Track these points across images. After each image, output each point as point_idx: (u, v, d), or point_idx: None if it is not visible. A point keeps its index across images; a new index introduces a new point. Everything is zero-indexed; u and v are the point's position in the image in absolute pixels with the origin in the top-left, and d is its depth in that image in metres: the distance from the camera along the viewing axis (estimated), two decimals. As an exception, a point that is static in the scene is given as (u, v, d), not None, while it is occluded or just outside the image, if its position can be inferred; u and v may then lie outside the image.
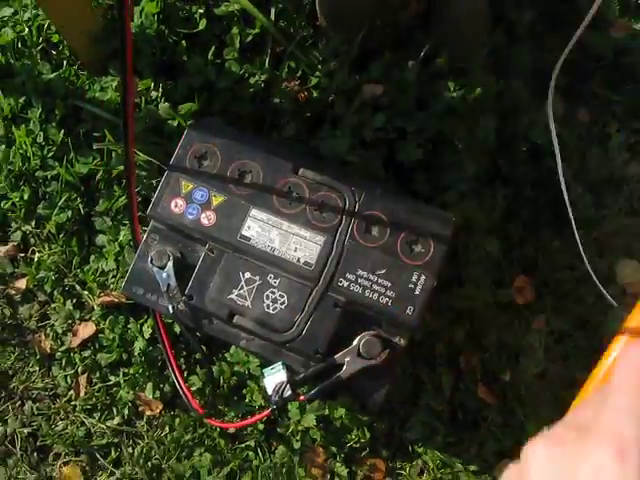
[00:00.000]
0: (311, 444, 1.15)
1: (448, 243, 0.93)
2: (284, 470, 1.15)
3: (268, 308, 0.92)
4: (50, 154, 1.18)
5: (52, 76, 1.19)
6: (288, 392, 0.90)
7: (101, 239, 1.19)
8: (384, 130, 1.14)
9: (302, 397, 0.91)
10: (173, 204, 0.95)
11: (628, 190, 1.26)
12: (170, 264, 0.94)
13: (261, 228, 0.94)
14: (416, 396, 1.17)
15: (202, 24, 1.15)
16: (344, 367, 0.91)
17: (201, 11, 1.16)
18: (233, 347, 1.15)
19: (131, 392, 1.16)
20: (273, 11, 1.18)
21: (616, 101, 1.29)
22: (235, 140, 0.97)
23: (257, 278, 0.93)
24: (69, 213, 1.17)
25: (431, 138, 1.13)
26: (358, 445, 1.14)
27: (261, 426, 1.14)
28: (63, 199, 1.17)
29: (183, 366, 1.15)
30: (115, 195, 1.18)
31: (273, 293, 0.92)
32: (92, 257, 1.19)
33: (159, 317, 1.08)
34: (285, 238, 0.93)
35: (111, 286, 1.18)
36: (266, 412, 0.94)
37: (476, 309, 1.17)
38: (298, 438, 1.14)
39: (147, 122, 1.14)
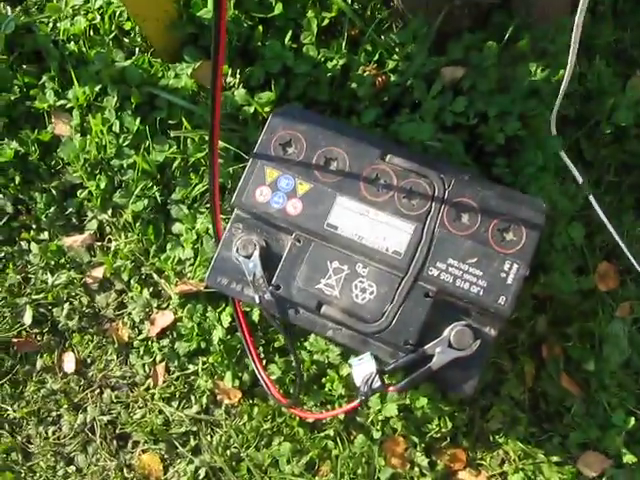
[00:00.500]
0: (391, 433, 1.13)
1: (541, 230, 0.90)
2: (363, 460, 1.14)
3: (357, 298, 0.91)
4: (126, 142, 1.17)
5: (126, 64, 1.18)
6: (377, 383, 0.89)
7: (178, 227, 1.19)
8: (465, 115, 1.11)
9: (392, 388, 0.90)
10: (258, 192, 0.94)
11: None
12: (256, 253, 0.93)
13: (348, 216, 0.92)
14: (498, 385, 1.15)
15: (278, 8, 1.13)
16: (434, 358, 0.89)
17: (274, -7, 1.14)
18: (312, 335, 1.14)
19: (209, 381, 1.16)
20: (349, -6, 1.15)
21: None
22: (320, 126, 0.96)
23: (345, 267, 0.91)
24: (145, 201, 1.17)
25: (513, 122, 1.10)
26: (439, 435, 1.12)
27: (342, 415, 1.13)
28: (139, 187, 1.17)
29: (262, 355, 1.14)
30: (192, 183, 1.17)
31: (362, 282, 0.91)
32: (169, 245, 1.19)
33: (238, 305, 1.08)
34: (373, 226, 0.92)
35: (188, 274, 1.18)
36: (354, 404, 0.93)
37: (559, 297, 1.14)
38: (378, 427, 1.13)
39: (224, 109, 1.12)
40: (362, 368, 0.91)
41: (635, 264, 1.15)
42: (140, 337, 1.19)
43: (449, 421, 1.12)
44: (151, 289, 1.20)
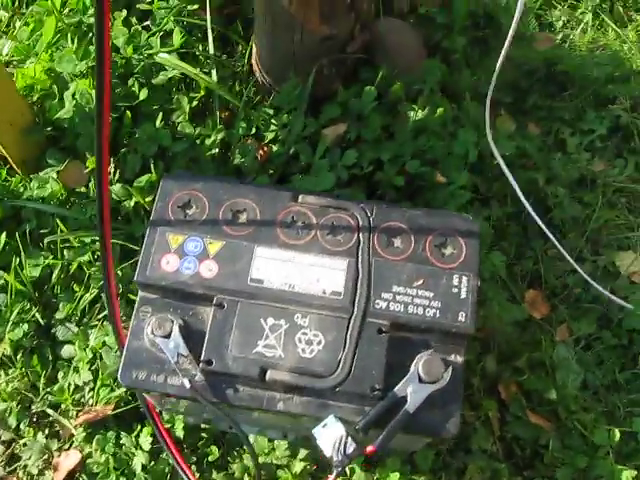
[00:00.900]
0: (366, 529, 0.96)
1: (478, 238, 0.85)
2: None
3: (304, 352, 0.78)
4: (-9, 264, 1.01)
5: (-20, 182, 1.05)
6: (351, 446, 0.75)
7: (68, 350, 1.01)
8: (358, 166, 1.07)
9: (371, 447, 0.75)
10: (164, 262, 0.81)
11: (601, 186, 1.24)
12: (176, 329, 0.78)
13: (272, 267, 0.81)
14: (465, 441, 1.03)
15: (143, 94, 1.06)
16: (408, 399, 0.77)
17: (138, 83, 1.08)
18: (253, 437, 0.97)
19: (139, 524, 0.94)
20: (215, 73, 1.11)
21: (560, 108, 1.30)
22: (218, 182, 0.87)
23: (282, 322, 0.79)
24: (25, 327, 1.00)
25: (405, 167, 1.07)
26: (419, 516, 0.97)
27: (306, 523, 0.95)
28: (15, 312, 0.99)
29: (196, 474, 0.96)
30: (76, 296, 1.02)
31: (305, 334, 0.79)
32: (61, 374, 1.00)
33: (158, 419, 0.90)
34: (302, 271, 0.81)
35: (90, 401, 0.99)
36: (332, 477, 0.76)
37: (501, 332, 1.07)
38: (351, 525, 0.95)
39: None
40: (328, 435, 0.76)
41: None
42: (42, 491, 0.96)
43: (428, 494, 0.97)
44: (47, 429, 0.99)
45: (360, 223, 0.84)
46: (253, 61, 1.17)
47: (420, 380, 0.78)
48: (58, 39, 1.10)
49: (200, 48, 1.13)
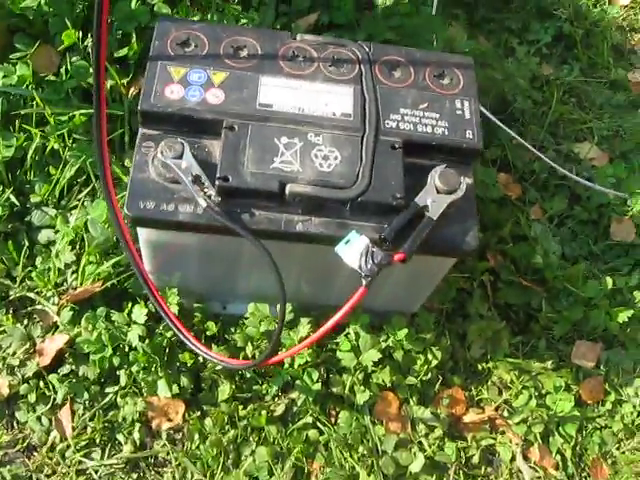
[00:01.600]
0: (377, 392, 0.93)
1: (473, 70, 0.87)
2: (359, 437, 0.91)
3: (322, 167, 0.76)
4: (-42, 145, 0.94)
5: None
6: (379, 254, 0.73)
7: (46, 235, 0.94)
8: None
9: (400, 254, 0.74)
10: (168, 91, 0.78)
11: (553, 85, 1.30)
12: (187, 149, 0.75)
13: (279, 93, 0.80)
14: (462, 308, 1.03)
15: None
16: (429, 208, 0.77)
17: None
18: (252, 305, 0.93)
19: (138, 402, 0.87)
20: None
21: (507, 19, 1.38)
22: (215, 24, 0.85)
23: (296, 140, 0.78)
24: (-2, 211, 0.92)
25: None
26: (429, 376, 0.95)
27: (316, 386, 0.91)
28: (-13, 195, 0.92)
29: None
30: (52, 179, 0.95)
31: (321, 151, 0.77)
32: (39, 259, 0.93)
33: (152, 285, 0.85)
34: (310, 96, 0.81)
35: (74, 284, 0.92)
36: (360, 290, 0.74)
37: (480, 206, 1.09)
38: (362, 389, 0.92)
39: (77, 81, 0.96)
40: (353, 248, 0.74)
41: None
42: (26, 376, 0.87)
43: (435, 353, 0.96)
44: (26, 321, 0.91)
45: (360, 56, 0.85)
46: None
47: (438, 191, 0.78)
48: None
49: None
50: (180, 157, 0.75)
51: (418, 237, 0.75)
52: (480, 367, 1.01)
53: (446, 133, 0.81)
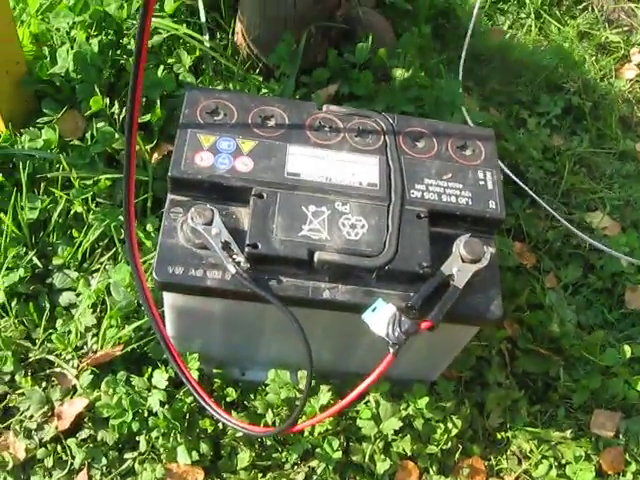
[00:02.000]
0: (397, 460, 0.92)
1: (494, 142, 0.89)
2: (378, 506, 0.89)
3: (349, 235, 0.77)
4: (-16, 207, 0.95)
5: (-33, 133, 1.00)
6: (406, 323, 0.73)
7: (67, 298, 0.94)
8: (353, 120, 1.11)
9: (427, 322, 0.74)
10: (198, 158, 0.80)
11: (564, 155, 1.33)
12: (217, 217, 0.76)
13: (307, 162, 0.82)
14: (481, 376, 1.02)
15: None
16: (455, 277, 0.77)
17: (134, 41, 1.08)
18: (271, 373, 0.92)
19: (157, 468, 0.85)
20: (207, 38, 1.14)
21: (517, 92, 1.42)
22: (242, 94, 0.88)
23: (324, 209, 0.79)
24: (20, 272, 0.92)
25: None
26: (449, 445, 0.94)
27: (336, 455, 0.89)
28: (10, 257, 0.92)
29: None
30: (75, 242, 0.96)
31: (348, 219, 0.79)
32: (59, 322, 0.92)
33: (173, 349, 0.85)
34: (337, 166, 0.82)
35: (94, 347, 0.91)
36: (388, 358, 0.74)
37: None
38: (382, 458, 0.91)
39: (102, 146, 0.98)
40: (379, 316, 0.74)
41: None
42: (45, 439, 0.85)
43: (455, 422, 0.95)
44: (44, 383, 0.90)
45: (384, 127, 0.87)
46: (237, 36, 1.21)
47: (463, 260, 0.79)
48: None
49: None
50: (210, 223, 0.76)
51: (445, 305, 0.76)
52: (499, 436, 0.99)
53: (470, 203, 0.82)
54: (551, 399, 1.04)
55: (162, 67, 1.05)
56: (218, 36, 1.20)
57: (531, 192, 1.22)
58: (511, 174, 1.22)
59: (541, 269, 1.17)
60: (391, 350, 0.73)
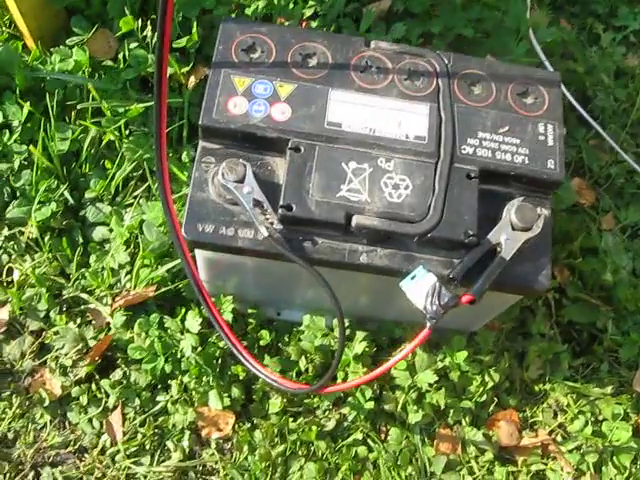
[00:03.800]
0: (430, 412, 0.91)
1: (560, 88, 0.80)
2: (408, 455, 0.90)
3: (391, 197, 0.72)
4: (14, 138, 0.91)
5: (-5, 52, 0.94)
6: (446, 295, 0.69)
7: (100, 232, 0.92)
8: (406, 41, 1.01)
9: (469, 296, 0.70)
10: (231, 105, 0.74)
11: (638, 80, 1.21)
12: (250, 172, 0.71)
13: (350, 110, 0.75)
14: (523, 326, 0.99)
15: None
16: (503, 246, 0.72)
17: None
18: (307, 317, 0.91)
19: (189, 411, 0.86)
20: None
21: (593, 2, 1.27)
22: (283, 27, 0.80)
23: (366, 166, 0.73)
24: (53, 206, 0.90)
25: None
26: (484, 398, 0.92)
27: (368, 404, 0.89)
28: (42, 190, 0.90)
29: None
30: (108, 174, 0.93)
31: (391, 179, 0.73)
32: (93, 257, 0.91)
33: (207, 294, 0.82)
34: (382, 115, 0.75)
35: (127, 285, 0.90)
36: (425, 332, 0.70)
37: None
38: (414, 408, 0.90)
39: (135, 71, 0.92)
40: (418, 285, 0.70)
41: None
42: (77, 378, 0.87)
43: (492, 375, 0.92)
44: (79, 319, 0.90)
45: (438, 69, 0.78)
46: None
47: (513, 228, 0.72)
48: None
49: None
50: (242, 181, 0.71)
51: (488, 278, 0.71)
52: (537, 388, 0.97)
53: (526, 162, 0.75)
54: (595, 352, 1.00)
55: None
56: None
57: (594, 123, 1.12)
58: (575, 103, 1.11)
59: (599, 209, 1.10)
60: (428, 324, 0.70)
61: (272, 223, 0.71)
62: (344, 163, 0.72)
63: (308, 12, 1.03)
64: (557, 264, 1.02)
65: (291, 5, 1.02)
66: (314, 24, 1.03)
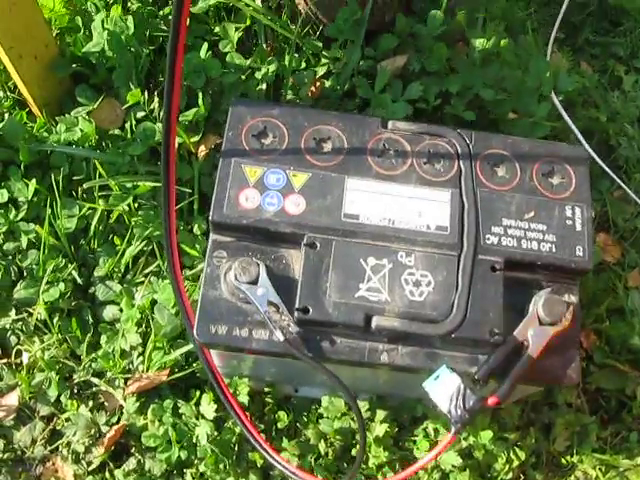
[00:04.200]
0: (454, 493, 0.88)
1: (587, 166, 0.76)
2: (432, 540, 0.87)
3: (413, 295, 0.68)
4: (20, 216, 0.88)
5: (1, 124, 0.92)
6: (471, 399, 0.66)
7: (111, 312, 0.90)
8: (423, 101, 0.97)
9: (494, 398, 0.67)
10: (243, 198, 0.70)
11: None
12: (264, 273, 0.68)
13: (367, 200, 0.71)
14: (550, 396, 0.95)
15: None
16: (529, 343, 0.68)
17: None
18: (327, 398, 0.87)
19: (206, 499, 0.84)
20: (259, 1, 1.00)
21: (614, 44, 1.22)
22: (295, 108, 0.76)
23: (385, 262, 0.69)
24: (61, 287, 0.87)
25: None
26: (510, 476, 0.89)
27: (390, 488, 0.86)
28: (49, 270, 0.87)
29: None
30: (117, 250, 0.90)
31: (412, 275, 0.69)
32: (104, 338, 0.88)
33: (221, 380, 0.79)
34: (401, 204, 0.72)
35: (140, 367, 0.88)
36: (449, 438, 0.67)
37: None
38: (439, 491, 0.87)
39: (144, 145, 0.89)
40: (443, 387, 0.67)
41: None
42: (91, 468, 0.84)
43: (518, 453, 0.89)
44: (91, 402, 0.88)
45: (459, 150, 0.74)
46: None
47: (540, 322, 0.69)
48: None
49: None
50: (255, 282, 0.68)
51: (515, 379, 0.67)
52: (564, 461, 0.94)
53: (553, 250, 0.71)
54: (624, 420, 0.96)
55: (206, 45, 0.92)
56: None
57: (616, 177, 1.08)
58: (597, 158, 1.07)
59: (625, 265, 1.06)
60: (453, 429, 0.66)
61: (288, 325, 0.68)
62: (362, 259, 0.69)
63: (321, 71, 1.00)
64: (583, 329, 0.98)
65: (303, 64, 0.99)
66: (327, 83, 0.99)
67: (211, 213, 0.70)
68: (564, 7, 0.90)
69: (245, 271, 0.68)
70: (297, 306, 0.67)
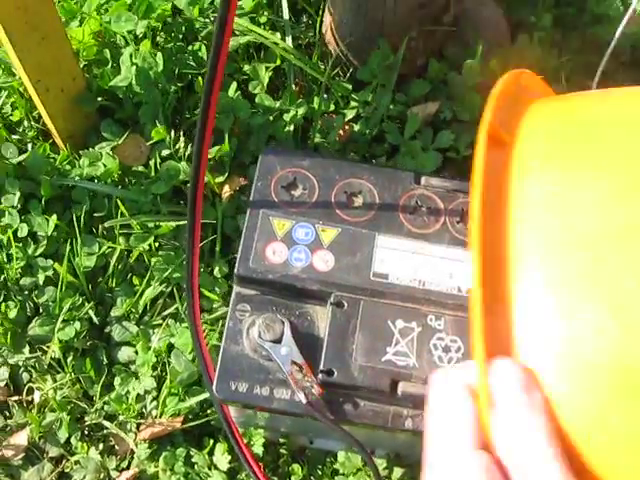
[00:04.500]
0: None
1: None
2: None
3: (441, 361, 0.66)
4: (39, 251, 0.87)
5: (22, 157, 0.90)
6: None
7: (126, 353, 0.88)
8: (454, 149, 0.95)
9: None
10: (270, 251, 0.68)
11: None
12: (288, 332, 0.66)
13: (398, 259, 0.69)
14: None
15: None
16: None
17: (205, 48, 0.94)
18: (342, 454, 0.85)
19: None
20: (290, 41, 0.98)
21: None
22: (326, 159, 0.75)
23: (414, 325, 0.67)
24: (77, 326, 0.86)
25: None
26: None
27: None
28: (66, 308, 0.85)
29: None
30: (136, 290, 0.88)
31: (441, 339, 0.67)
32: (117, 380, 0.86)
33: (236, 431, 0.77)
34: (433, 264, 0.69)
35: (153, 412, 0.85)
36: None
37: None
38: None
39: (166, 185, 0.88)
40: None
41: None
42: (101, 518, 0.82)
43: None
44: (101, 445, 0.85)
45: (493, 210, 0.72)
46: (325, 32, 1.04)
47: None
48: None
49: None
50: (279, 340, 0.65)
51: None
52: None
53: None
54: None
55: (235, 85, 0.91)
56: (301, 30, 1.03)
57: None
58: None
59: None
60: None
61: (311, 386, 0.65)
62: (391, 321, 0.67)
63: (350, 114, 0.98)
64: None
65: (332, 107, 0.97)
66: (356, 127, 0.98)
67: (237, 266, 0.68)
68: (605, 59, 0.87)
69: (269, 329, 0.66)
70: (322, 368, 0.65)
